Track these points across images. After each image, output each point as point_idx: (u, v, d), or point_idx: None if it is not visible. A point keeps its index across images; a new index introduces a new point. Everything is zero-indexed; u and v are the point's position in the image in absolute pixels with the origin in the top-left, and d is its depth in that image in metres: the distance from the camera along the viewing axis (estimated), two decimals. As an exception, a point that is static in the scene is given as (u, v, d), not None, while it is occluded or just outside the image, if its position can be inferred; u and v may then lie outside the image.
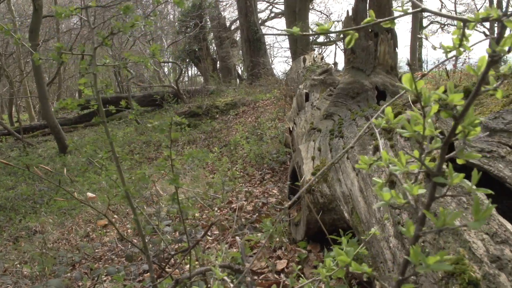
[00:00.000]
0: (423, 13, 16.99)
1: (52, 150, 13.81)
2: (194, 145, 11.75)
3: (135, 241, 5.22)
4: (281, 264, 3.72)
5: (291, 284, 3.06)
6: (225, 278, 1.62)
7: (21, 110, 19.23)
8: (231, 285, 1.49)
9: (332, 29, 0.86)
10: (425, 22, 19.86)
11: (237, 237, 3.16)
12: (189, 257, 2.03)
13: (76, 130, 15.15)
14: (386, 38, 5.04)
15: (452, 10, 17.35)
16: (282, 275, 3.58)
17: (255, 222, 5.20)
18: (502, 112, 1.61)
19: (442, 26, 19.54)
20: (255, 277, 3.55)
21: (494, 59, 0.69)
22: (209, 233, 5.22)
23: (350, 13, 5.43)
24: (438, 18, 19.12)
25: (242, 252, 2.57)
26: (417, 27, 16.27)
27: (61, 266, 4.93)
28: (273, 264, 3.64)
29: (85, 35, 15.35)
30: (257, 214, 5.47)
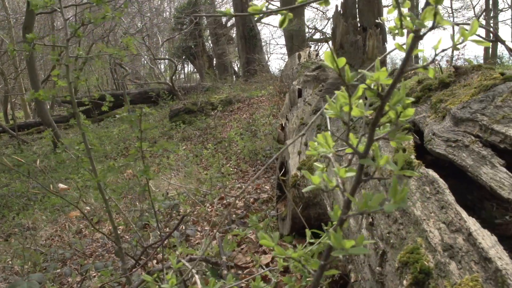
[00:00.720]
0: (418, 9, 16.83)
1: (47, 148, 13.79)
2: (189, 141, 11.74)
3: (127, 237, 5.23)
4: (266, 259, 3.72)
5: (273, 278, 3.06)
6: (193, 271, 1.61)
7: (16, 108, 19.19)
8: (197, 276, 1.48)
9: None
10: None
11: (216, 232, 3.15)
12: (161, 250, 2.02)
13: (71, 127, 15.10)
14: (375, 33, 5.01)
15: (447, 7, 17.36)
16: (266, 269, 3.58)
17: (244, 217, 5.21)
18: (470, 102, 1.60)
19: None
20: (240, 272, 3.56)
21: (417, 35, 0.68)
22: (199, 229, 5.23)
23: (339, 8, 5.40)
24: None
25: (220, 246, 2.56)
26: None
27: (51, 262, 4.93)
28: (258, 258, 3.64)
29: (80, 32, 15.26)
30: (246, 209, 5.49)
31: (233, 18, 17.27)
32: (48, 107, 16.34)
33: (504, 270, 0.87)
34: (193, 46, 16.38)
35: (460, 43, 0.71)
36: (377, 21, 4.78)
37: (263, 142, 8.60)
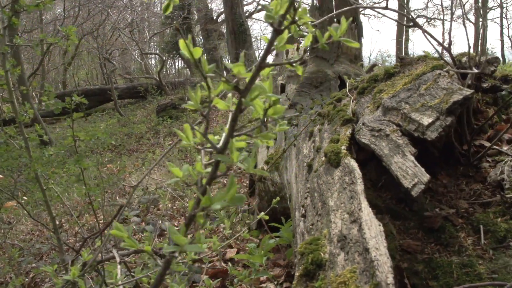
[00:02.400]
0: (409, 7, 16.81)
1: (33, 142, 13.69)
2: (176, 136, 11.70)
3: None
4: (231, 253, 3.70)
5: (231, 272, 3.04)
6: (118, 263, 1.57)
7: (4, 102, 19.01)
8: (119, 266, 1.44)
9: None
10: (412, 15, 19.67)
11: (166, 223, 3.11)
12: (100, 241, 1.98)
13: (58, 122, 15.01)
14: (350, 27, 4.99)
15: (438, 4, 17.33)
16: (229, 264, 3.56)
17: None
18: (400, 91, 1.57)
19: (429, 20, 19.48)
20: (203, 265, 3.53)
21: (277, 30, 0.65)
22: (176, 224, 5.21)
23: (316, 2, 5.36)
24: (424, 12, 19.13)
25: (169, 238, 2.52)
26: (403, 21, 16.15)
27: (27, 256, 4.90)
28: (220, 252, 3.61)
29: (67, 26, 15.14)
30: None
31: (223, 14, 17.20)
32: (37, 101, 16.23)
33: (376, 261, 0.84)
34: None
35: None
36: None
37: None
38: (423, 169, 1.15)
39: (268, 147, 4.12)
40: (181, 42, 0.72)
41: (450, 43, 1.59)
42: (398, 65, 2.03)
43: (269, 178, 3.86)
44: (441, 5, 16.81)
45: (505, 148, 1.96)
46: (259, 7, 20.97)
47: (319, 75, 4.98)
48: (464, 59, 1.73)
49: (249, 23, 18.03)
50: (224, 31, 18.56)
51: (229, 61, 16.92)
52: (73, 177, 10.26)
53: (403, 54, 17.40)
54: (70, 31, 1.89)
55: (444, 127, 1.30)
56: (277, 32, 0.68)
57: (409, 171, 1.15)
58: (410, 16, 1.64)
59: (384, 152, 1.33)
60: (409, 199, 1.70)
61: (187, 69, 18.37)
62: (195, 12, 18.33)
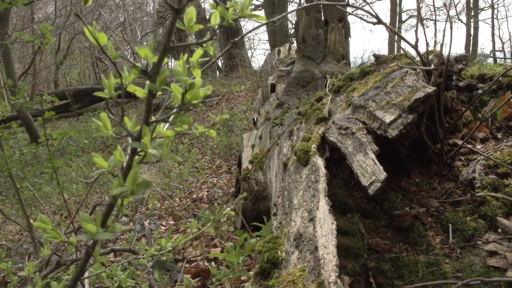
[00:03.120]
0: (401, 7, 16.90)
1: (24, 142, 13.60)
2: (167, 136, 11.68)
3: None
4: (215, 253, 3.68)
5: (212, 271, 3.02)
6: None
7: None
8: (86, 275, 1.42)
9: None
10: (404, 16, 19.93)
11: (145, 222, 3.09)
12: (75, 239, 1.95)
13: (50, 122, 14.92)
14: (337, 27, 4.98)
15: (430, 5, 17.39)
16: (213, 263, 3.55)
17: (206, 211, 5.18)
18: (369, 89, 1.56)
19: (421, 20, 19.43)
20: (187, 265, 3.51)
21: (176, 9, 0.64)
22: (163, 223, 5.18)
23: (303, 1, 5.35)
24: (417, 12, 18.99)
25: (148, 237, 2.52)
26: (395, 21, 16.26)
27: (14, 257, 4.86)
28: (204, 252, 3.60)
29: (61, 25, 15.09)
30: (210, 203, 5.47)
31: (216, 13, 17.15)
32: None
33: (323, 259, 0.83)
34: (176, 40, 16.24)
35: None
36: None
37: (239, 137, 8.63)
38: (381, 167, 1.14)
39: (253, 146, 4.11)
40: (86, 29, 0.70)
41: (416, 41, 1.59)
42: (374, 64, 2.02)
43: (253, 177, 3.85)
44: (433, 5, 16.87)
45: (478, 146, 1.96)
46: (252, 7, 20.84)
47: (306, 75, 4.98)
48: (431, 57, 1.72)
49: (242, 23, 18.03)
50: (217, 30, 18.51)
51: (222, 61, 16.91)
52: (63, 177, 10.22)
53: (395, 49, 17.37)
54: (45, 30, 1.87)
55: (406, 125, 1.29)
56: (176, 12, 0.66)
57: (369, 169, 1.14)
58: (374, 13, 1.63)
59: (348, 150, 1.32)
60: (380, 197, 1.69)
61: (180, 68, 18.28)
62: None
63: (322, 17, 5.28)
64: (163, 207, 5.95)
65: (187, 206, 5.62)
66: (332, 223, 0.96)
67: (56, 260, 1.94)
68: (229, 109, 11.59)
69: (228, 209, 4.73)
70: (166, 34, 0.63)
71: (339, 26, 4.97)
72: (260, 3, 19.94)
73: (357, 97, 1.56)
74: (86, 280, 1.49)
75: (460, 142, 1.89)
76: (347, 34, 5.05)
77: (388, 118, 1.29)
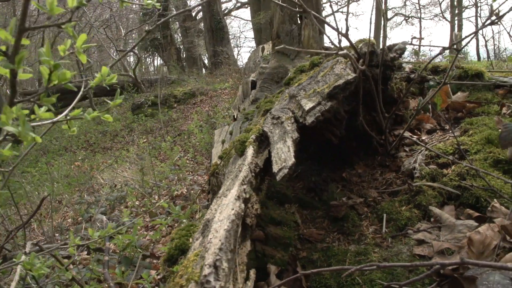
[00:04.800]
0: (387, 5, 16.89)
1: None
2: (150, 134, 11.59)
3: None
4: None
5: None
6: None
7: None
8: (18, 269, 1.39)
9: None
10: (389, 14, 19.98)
11: (103, 217, 3.05)
12: (23, 234, 1.92)
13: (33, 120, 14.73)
14: (311, 23, 4.97)
15: (415, 3, 17.46)
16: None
17: (182, 208, 5.16)
18: (306, 80, 1.55)
19: (406, 18, 19.65)
20: (154, 261, 3.49)
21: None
22: (142, 220, 5.14)
23: (277, -3, 5.33)
24: (403, 10, 19.30)
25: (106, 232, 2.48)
26: (380, 19, 16.32)
27: (-13, 256, 4.79)
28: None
29: (42, 22, 14.89)
30: (186, 200, 5.46)
31: (202, 11, 17.09)
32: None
33: (209, 243, 0.81)
34: (160, 38, 16.13)
35: None
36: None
37: (220, 134, 8.60)
38: (292, 154, 1.12)
39: (223, 142, 4.09)
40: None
41: (347, 30, 1.58)
42: (323, 56, 2.01)
43: (222, 173, 3.83)
44: (419, 3, 16.98)
45: (424, 137, 1.96)
46: (238, 4, 20.92)
47: (280, 70, 4.96)
48: (361, 45, 1.72)
49: (228, 21, 17.97)
50: (203, 28, 18.44)
51: (207, 58, 16.84)
52: (45, 176, 10.13)
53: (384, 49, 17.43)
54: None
55: (323, 112, 1.28)
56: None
57: (283, 156, 1.13)
58: (298, 2, 1.62)
59: (274, 139, 1.31)
60: (319, 188, 1.68)
61: (166, 66, 18.21)
62: (173, 9, 18.18)
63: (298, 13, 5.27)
64: (142, 204, 5.92)
65: (165, 203, 5.59)
66: (232, 209, 0.95)
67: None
68: (213, 107, 11.55)
69: (203, 205, 4.71)
70: (21, 16, 0.61)
71: (313, 21, 4.96)
72: (247, 0, 19.91)
73: (294, 87, 1.55)
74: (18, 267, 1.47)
75: (405, 133, 1.89)
76: (321, 30, 5.04)
77: (308, 105, 1.28)
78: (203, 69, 18.15)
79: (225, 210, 0.95)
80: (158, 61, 20.59)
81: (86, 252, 3.80)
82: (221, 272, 0.82)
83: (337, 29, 1.68)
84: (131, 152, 10.18)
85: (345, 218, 1.54)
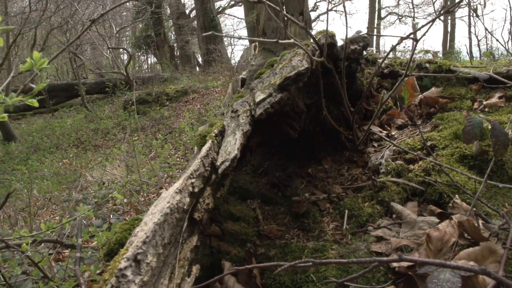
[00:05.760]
0: (380, 4, 16.90)
1: (-3, 139, 13.36)
2: (142, 132, 11.54)
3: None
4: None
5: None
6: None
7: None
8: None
9: None
10: (383, 13, 19.97)
11: (77, 215, 3.00)
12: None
13: (24, 118, 14.66)
14: (297, 20, 4.94)
15: (408, 2, 17.47)
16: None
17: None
18: (268, 73, 1.51)
19: (400, 17, 19.65)
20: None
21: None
22: (127, 218, 5.11)
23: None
24: (396, 9, 19.29)
25: (78, 230, 2.45)
26: (374, 18, 16.31)
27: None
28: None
29: (34, 19, 14.81)
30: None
31: (195, 9, 17.02)
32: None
33: (135, 236, 0.78)
34: (153, 35, 16.06)
35: None
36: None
37: (211, 132, 8.58)
38: (237, 147, 1.09)
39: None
40: None
41: (305, 22, 1.54)
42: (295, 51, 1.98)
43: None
44: (412, 3, 17.00)
45: (393, 132, 1.92)
46: (232, 2, 20.86)
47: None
48: (319, 36, 1.68)
49: (221, 19, 17.92)
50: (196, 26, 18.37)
51: (201, 56, 16.78)
52: (35, 173, 10.07)
53: (376, 48, 17.48)
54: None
55: (273, 104, 1.24)
56: None
57: (229, 148, 1.09)
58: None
59: (227, 133, 1.27)
60: (283, 184, 1.65)
61: (160, 64, 18.15)
62: (167, 7, 18.12)
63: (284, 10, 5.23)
64: (130, 202, 5.88)
65: (153, 200, 5.56)
66: (168, 202, 0.91)
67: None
68: (205, 104, 11.51)
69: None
70: None
71: (299, 19, 4.92)
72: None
73: (256, 81, 1.52)
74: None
75: (375, 129, 1.86)
76: (307, 27, 5.01)
77: (259, 98, 1.25)
78: (197, 67, 18.08)
79: (161, 203, 0.92)
80: (152, 59, 20.53)
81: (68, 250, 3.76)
82: (144, 266, 0.79)
83: (296, 22, 1.65)
84: (122, 149, 10.14)
85: (306, 214, 1.51)
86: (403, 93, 1.71)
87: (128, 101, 12.33)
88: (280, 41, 1.52)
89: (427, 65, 2.32)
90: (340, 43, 1.76)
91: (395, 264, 1.21)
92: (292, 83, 1.27)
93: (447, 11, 1.24)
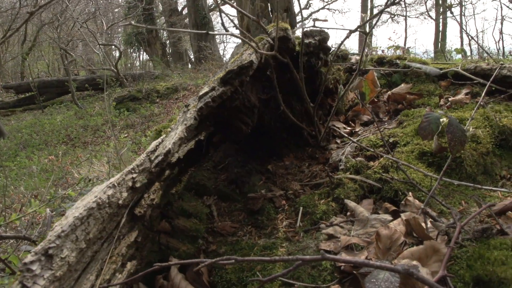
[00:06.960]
0: (373, 2, 16.94)
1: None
2: (132, 129, 11.48)
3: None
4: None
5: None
6: None
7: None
8: None
9: None
10: (375, 11, 19.89)
11: (48, 211, 2.97)
12: None
13: (14, 114, 14.54)
14: (281, 16, 4.91)
15: (401, 0, 17.44)
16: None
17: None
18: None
19: (392, 16, 19.62)
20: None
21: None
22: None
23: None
24: (388, 8, 19.08)
25: (48, 225, 2.44)
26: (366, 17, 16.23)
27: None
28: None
29: (25, 15, 14.68)
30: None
31: (187, 6, 16.93)
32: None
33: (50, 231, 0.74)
34: (145, 32, 15.97)
35: None
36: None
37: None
38: (173, 141, 1.06)
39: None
40: None
41: (258, 15, 1.52)
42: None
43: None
44: (404, 2, 16.99)
45: (357, 129, 1.90)
46: (225, -1, 20.63)
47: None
48: (271, 29, 1.66)
49: (213, 16, 17.84)
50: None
51: (192, 53, 16.71)
52: (23, 170, 9.98)
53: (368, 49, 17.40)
54: None
55: (214, 97, 1.22)
56: None
57: (166, 143, 1.07)
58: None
59: (173, 127, 1.24)
60: (241, 180, 1.62)
61: (151, 61, 18.06)
62: (159, 4, 18.03)
63: (269, 7, 5.20)
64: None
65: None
66: (96, 196, 0.89)
67: None
68: (195, 102, 11.46)
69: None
70: None
71: (283, 16, 4.89)
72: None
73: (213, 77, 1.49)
74: None
75: (339, 125, 1.84)
76: (292, 24, 4.98)
77: (202, 92, 1.23)
78: (189, 64, 18.01)
79: (88, 197, 0.89)
80: (144, 56, 20.44)
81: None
82: (58, 261, 0.76)
83: (248, 15, 1.62)
84: (111, 146, 10.08)
85: (261, 211, 1.48)
86: (363, 89, 1.69)
87: (119, 98, 12.27)
88: (210, 32, 1.49)
89: (398, 61, 2.30)
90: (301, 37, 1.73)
91: (340, 263, 1.20)
92: (235, 76, 1.25)
93: (393, 3, 1.22)
